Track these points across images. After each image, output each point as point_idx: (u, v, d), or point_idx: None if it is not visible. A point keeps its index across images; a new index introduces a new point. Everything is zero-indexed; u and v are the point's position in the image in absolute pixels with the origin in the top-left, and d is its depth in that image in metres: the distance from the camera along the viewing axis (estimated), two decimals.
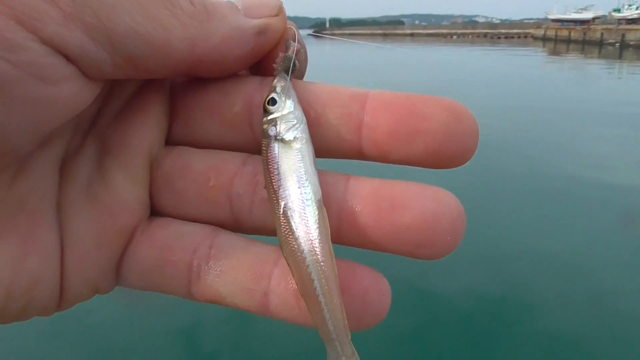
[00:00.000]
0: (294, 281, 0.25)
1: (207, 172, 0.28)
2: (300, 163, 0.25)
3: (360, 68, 25.26)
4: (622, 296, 3.36)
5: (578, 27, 44.45)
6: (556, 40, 44.18)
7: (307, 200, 0.25)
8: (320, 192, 0.25)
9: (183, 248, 0.28)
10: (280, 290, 0.26)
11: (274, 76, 0.26)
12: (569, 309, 3.22)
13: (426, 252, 0.25)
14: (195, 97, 0.28)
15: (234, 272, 0.27)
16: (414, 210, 0.24)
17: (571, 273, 3.72)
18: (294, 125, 0.25)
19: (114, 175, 0.27)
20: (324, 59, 33.69)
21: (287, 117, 0.25)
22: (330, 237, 0.25)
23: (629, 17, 46.16)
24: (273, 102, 0.25)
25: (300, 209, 0.25)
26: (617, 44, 32.76)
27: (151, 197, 0.29)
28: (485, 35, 65.35)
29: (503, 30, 66.14)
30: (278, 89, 0.26)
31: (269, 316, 0.27)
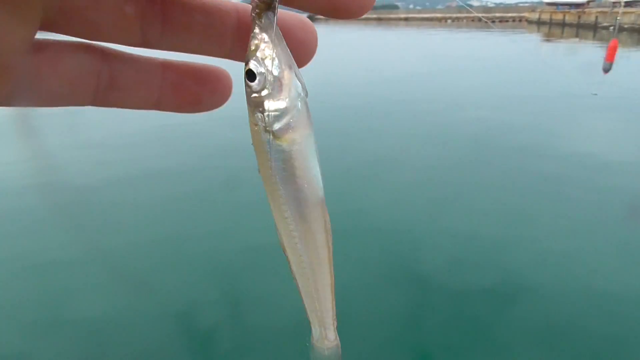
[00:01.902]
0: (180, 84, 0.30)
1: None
2: (297, 163, 0.22)
3: (356, 52, 25.14)
4: (615, 278, 3.43)
5: (573, 11, 44.23)
6: (551, 23, 44.03)
7: (308, 204, 0.23)
8: (322, 191, 0.23)
9: (88, 74, 0.30)
10: (168, 94, 0.31)
11: (252, 21, 0.22)
12: (561, 293, 3.28)
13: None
14: None
15: (132, 90, 0.31)
16: None
17: (564, 258, 3.78)
18: (285, 111, 0.21)
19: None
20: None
21: (275, 101, 0.21)
22: (331, 244, 0.24)
23: (624, 0, 46.00)
24: (253, 76, 0.21)
25: (299, 211, 0.23)
26: (612, 27, 32.65)
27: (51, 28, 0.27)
28: (480, 19, 65.02)
29: (498, 14, 65.79)
30: (259, 53, 0.21)
31: (160, 110, 0.32)
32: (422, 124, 8.34)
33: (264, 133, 0.21)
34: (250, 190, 5.27)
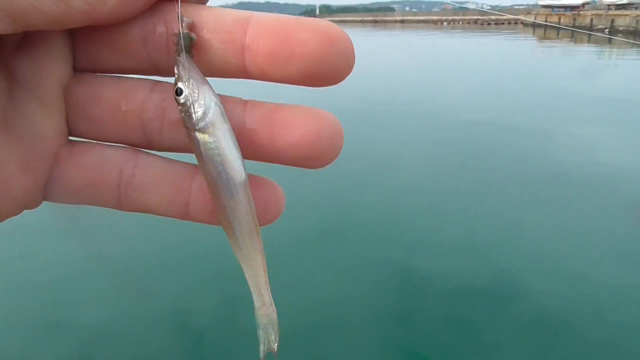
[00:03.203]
0: (209, 193, 0.30)
1: (118, 99, 0.30)
2: (219, 150, 0.27)
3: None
4: (606, 275, 3.42)
5: (568, 13, 44.46)
6: (546, 26, 44.20)
7: (232, 183, 0.28)
8: (244, 171, 0.28)
9: (110, 168, 0.30)
10: (198, 200, 0.31)
11: (175, 58, 0.27)
12: (552, 292, 3.28)
13: (310, 163, 0.29)
14: (90, 28, 0.28)
15: (158, 188, 0.31)
16: (300, 130, 0.28)
17: (555, 257, 3.78)
18: (204, 113, 0.27)
19: (28, 106, 0.29)
20: None
21: (196, 107, 0.27)
22: (256, 216, 0.29)
23: (618, 3, 46.22)
24: (180, 91, 0.27)
25: (229, 191, 0.28)
26: (607, 30, 32.83)
27: (68, 124, 0.30)
28: (475, 21, 65.22)
29: (493, 17, 66.01)
30: (182, 75, 0.27)
31: (191, 220, 0.31)
32: (417, 127, 8.33)
33: (193, 132, 0.27)
34: None
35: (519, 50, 25.36)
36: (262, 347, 0.32)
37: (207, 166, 0.28)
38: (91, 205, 0.31)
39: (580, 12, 43.03)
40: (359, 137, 7.61)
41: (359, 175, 5.84)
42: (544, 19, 45.60)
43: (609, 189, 5.14)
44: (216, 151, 0.27)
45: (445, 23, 68.74)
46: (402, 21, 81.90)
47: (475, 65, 17.65)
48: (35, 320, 3.20)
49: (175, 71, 0.27)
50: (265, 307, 0.32)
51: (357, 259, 3.82)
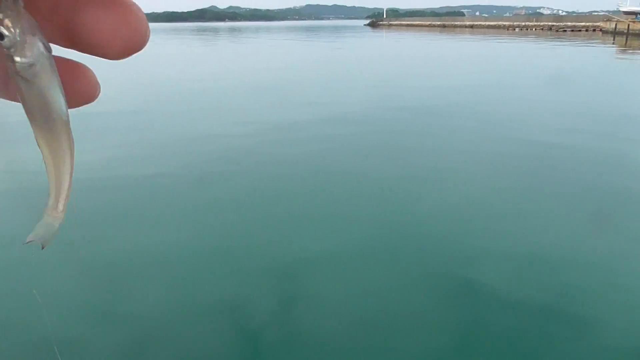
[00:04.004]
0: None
1: None
2: (43, 98, 0.28)
3: (418, 58, 24.78)
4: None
5: None
6: (628, 34, 41.70)
7: (53, 118, 0.29)
8: (65, 112, 0.29)
9: None
10: None
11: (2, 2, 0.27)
12: (631, 321, 3.01)
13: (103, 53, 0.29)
14: None
15: None
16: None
17: (630, 280, 3.48)
18: (30, 64, 0.27)
19: None
20: (384, 48, 33.50)
21: (21, 51, 0.27)
22: (73, 156, 0.31)
23: None
24: (1, 37, 0.27)
25: (49, 126, 0.29)
26: None
27: None
28: (550, 27, 62.57)
29: (569, 23, 63.09)
30: (9, 21, 0.27)
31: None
32: (481, 136, 8.05)
33: (19, 79, 0.28)
34: (311, 198, 5.24)
35: (597, 59, 24.03)
36: (32, 235, 0.33)
37: (32, 108, 0.29)
38: None
39: None
40: (421, 147, 7.46)
41: (419, 185, 5.71)
42: (626, 26, 43.03)
43: None
44: (42, 98, 0.28)
45: (517, 29, 66.45)
46: (471, 26, 79.91)
47: (547, 72, 16.90)
48: (96, 307, 3.32)
49: (0, 17, 0.27)
50: (55, 212, 0.32)
51: (415, 270, 3.72)
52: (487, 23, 79.69)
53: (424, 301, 3.33)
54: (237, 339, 2.98)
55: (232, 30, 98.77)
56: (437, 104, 10.91)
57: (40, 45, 0.28)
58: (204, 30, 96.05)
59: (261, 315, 3.19)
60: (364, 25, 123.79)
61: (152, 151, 7.22)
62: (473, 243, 4.16)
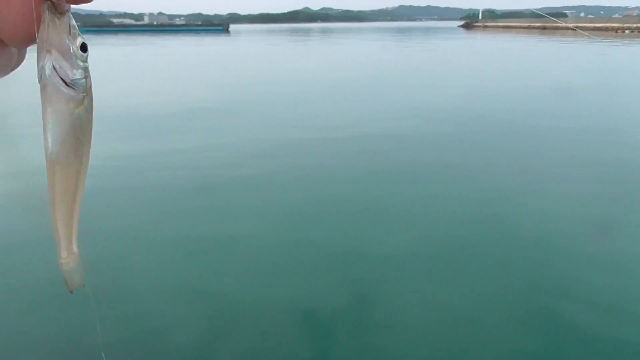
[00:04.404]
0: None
1: None
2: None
3: (512, 62, 23.70)
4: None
5: None
6: None
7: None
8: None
9: None
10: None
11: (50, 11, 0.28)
12: None
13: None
14: None
15: None
16: None
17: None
18: (81, 79, 0.28)
19: None
20: (479, 53, 32.34)
21: (77, 69, 0.28)
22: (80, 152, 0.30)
23: None
24: (85, 48, 0.28)
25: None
26: None
27: None
28: None
29: None
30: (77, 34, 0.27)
31: None
32: (581, 143, 7.63)
33: (63, 85, 0.28)
34: (401, 194, 5.28)
35: None
36: (70, 286, 0.32)
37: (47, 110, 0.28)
38: None
39: None
40: (517, 150, 7.21)
41: (511, 189, 5.54)
42: None
43: None
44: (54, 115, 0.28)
45: (627, 31, 61.32)
46: (574, 28, 74.85)
47: None
48: (185, 287, 3.54)
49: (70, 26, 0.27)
50: (72, 256, 0.31)
51: (499, 278, 3.62)
52: (593, 25, 74.26)
53: (505, 312, 3.21)
54: (306, 335, 3.02)
55: (324, 31, 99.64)
56: (532, 108, 10.45)
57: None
58: (296, 31, 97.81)
59: (335, 312, 3.23)
60: (458, 26, 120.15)
61: (258, 149, 7.56)
62: (568, 251, 3.99)
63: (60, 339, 2.91)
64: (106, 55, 27.34)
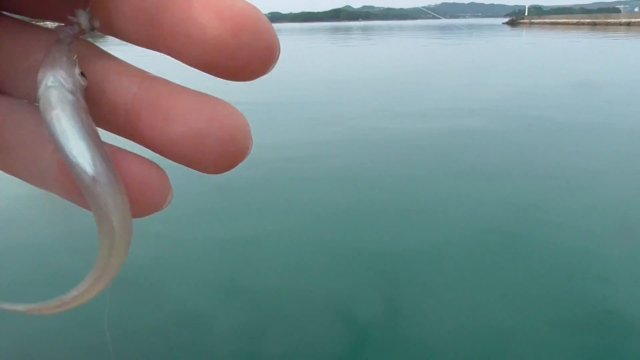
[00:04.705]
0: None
1: (15, 53, 0.27)
2: (52, 135, 0.24)
3: (560, 60, 22.96)
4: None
5: None
6: None
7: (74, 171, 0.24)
8: (92, 169, 0.23)
9: None
10: (54, 173, 0.26)
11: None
12: None
13: (196, 167, 0.26)
14: None
15: (18, 150, 0.27)
16: (182, 126, 0.24)
17: None
18: (41, 86, 0.24)
19: None
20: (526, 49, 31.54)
21: (42, 78, 0.24)
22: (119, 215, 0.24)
23: None
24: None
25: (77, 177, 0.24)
26: None
27: None
28: None
29: None
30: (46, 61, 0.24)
31: (57, 194, 0.27)
32: (630, 142, 7.25)
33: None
34: (423, 199, 5.17)
35: None
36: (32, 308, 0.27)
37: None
38: None
39: None
40: (567, 149, 6.94)
41: (551, 187, 5.32)
42: None
43: None
44: (50, 133, 0.24)
45: None
46: (627, 24, 71.93)
47: None
48: (222, 284, 3.56)
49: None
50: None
51: (536, 284, 3.47)
52: None
53: (540, 321, 3.06)
54: (340, 331, 2.98)
55: (365, 29, 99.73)
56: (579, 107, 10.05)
57: (63, 72, 0.24)
58: (337, 29, 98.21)
59: (368, 310, 3.16)
60: (503, 23, 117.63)
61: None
62: (610, 259, 3.78)
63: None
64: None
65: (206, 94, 0.25)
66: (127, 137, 0.26)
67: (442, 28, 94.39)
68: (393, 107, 10.64)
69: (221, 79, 0.25)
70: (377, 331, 2.99)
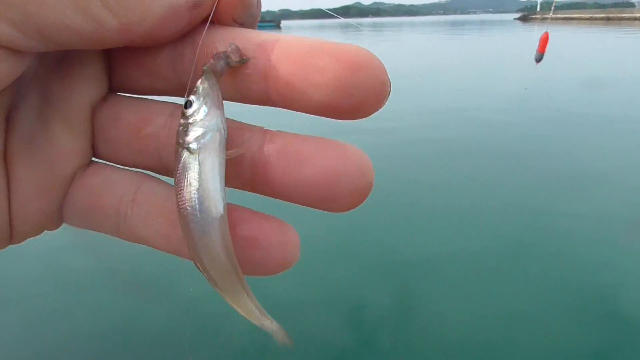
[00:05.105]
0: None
1: (137, 122, 0.29)
2: (202, 175, 0.26)
3: (574, 56, 22.69)
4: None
5: None
6: None
7: (206, 215, 0.26)
8: (222, 206, 0.26)
9: (111, 194, 0.29)
10: None
11: (202, 75, 0.26)
12: None
13: (328, 207, 0.26)
14: (125, 50, 0.28)
15: (154, 218, 0.29)
16: (316, 167, 0.25)
17: None
18: (202, 134, 0.26)
19: (54, 127, 0.28)
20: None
21: (197, 125, 0.26)
22: (233, 257, 0.27)
23: None
24: (190, 104, 0.26)
25: (200, 226, 0.26)
26: None
27: (92, 145, 0.30)
28: None
29: None
30: (200, 91, 0.26)
31: (184, 258, 0.29)
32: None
33: (182, 149, 0.26)
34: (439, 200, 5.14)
35: None
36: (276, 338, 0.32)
37: (182, 192, 0.26)
38: (95, 231, 0.30)
39: None
40: (570, 143, 6.87)
41: (566, 185, 5.27)
42: None
43: None
44: (196, 176, 0.25)
45: None
46: None
47: None
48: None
49: (197, 84, 0.26)
50: (270, 325, 0.31)
51: (550, 283, 3.46)
52: None
53: (553, 321, 3.04)
54: (353, 330, 2.96)
55: (376, 25, 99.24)
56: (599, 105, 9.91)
57: (220, 118, 0.26)
58: (348, 26, 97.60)
59: (383, 310, 3.15)
60: (514, 19, 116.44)
61: None
62: (624, 260, 3.75)
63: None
64: None
65: (326, 138, 0.26)
66: (251, 190, 0.27)
67: (454, 24, 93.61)
68: (407, 104, 10.56)
69: (335, 119, 0.26)
70: (389, 325, 2.99)
